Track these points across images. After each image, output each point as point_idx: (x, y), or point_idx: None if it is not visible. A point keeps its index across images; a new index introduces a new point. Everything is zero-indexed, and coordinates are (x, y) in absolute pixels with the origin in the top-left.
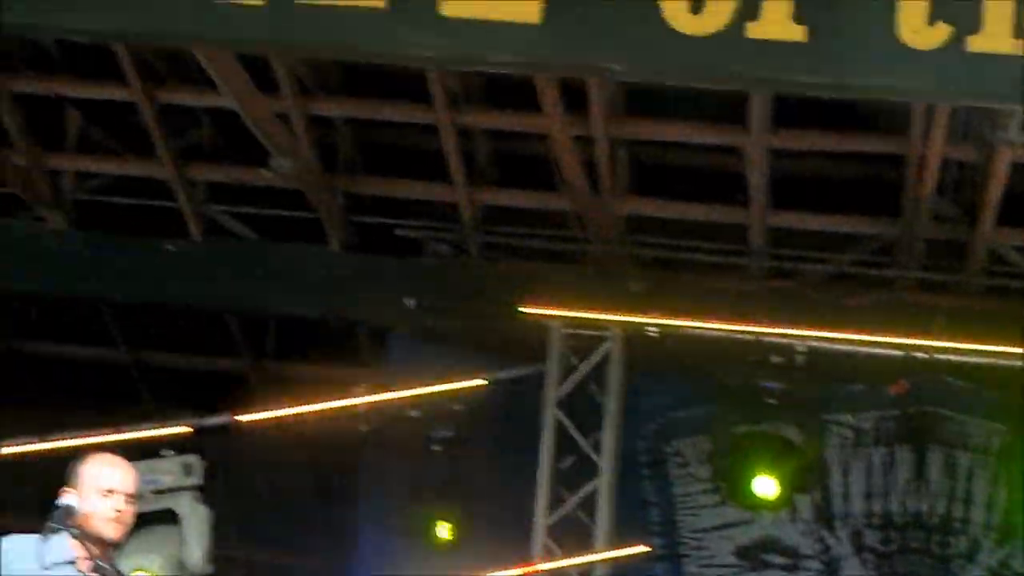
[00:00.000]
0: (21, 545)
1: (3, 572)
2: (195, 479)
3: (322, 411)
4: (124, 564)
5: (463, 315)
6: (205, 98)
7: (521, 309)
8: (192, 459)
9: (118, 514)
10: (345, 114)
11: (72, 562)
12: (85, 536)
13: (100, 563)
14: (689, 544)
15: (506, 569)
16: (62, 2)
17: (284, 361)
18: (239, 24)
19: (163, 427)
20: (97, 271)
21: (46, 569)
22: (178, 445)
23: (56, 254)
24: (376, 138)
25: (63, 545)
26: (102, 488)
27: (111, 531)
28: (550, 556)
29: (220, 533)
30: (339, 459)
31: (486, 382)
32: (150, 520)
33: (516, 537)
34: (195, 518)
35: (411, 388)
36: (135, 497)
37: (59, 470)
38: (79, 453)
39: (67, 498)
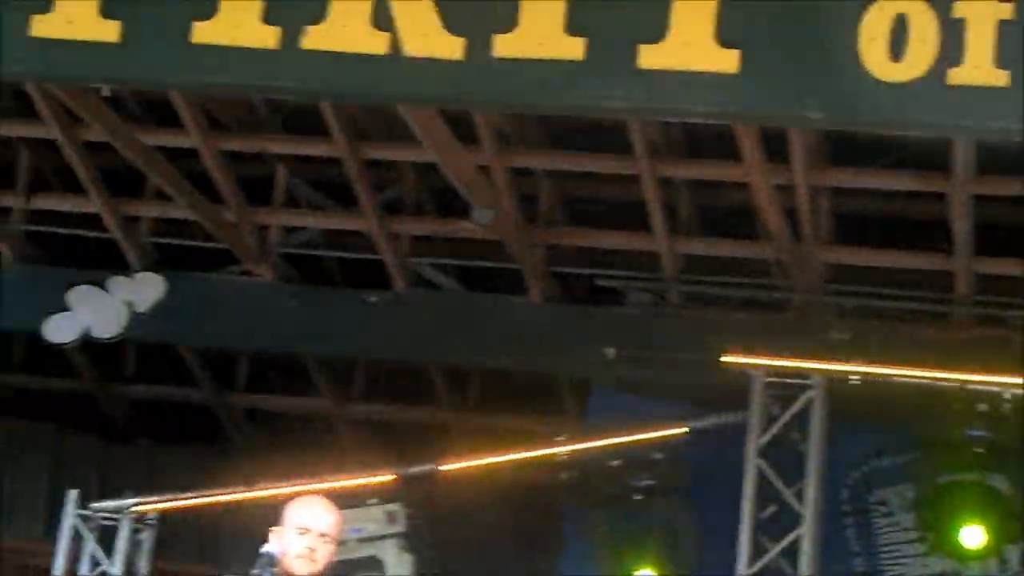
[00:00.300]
0: None
1: None
2: (399, 527)
3: (524, 460)
4: None
5: (664, 364)
6: (408, 152)
7: (722, 358)
8: (396, 507)
9: (309, 552)
10: (546, 166)
11: None
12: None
13: None
14: None
15: None
16: (268, 66)
17: (486, 412)
18: (437, 80)
19: (368, 476)
20: (303, 324)
21: None
22: (382, 494)
23: (263, 307)
24: (577, 189)
25: None
26: (298, 527)
27: (300, 567)
28: None
29: None
30: (540, 508)
31: (687, 431)
32: (355, 567)
33: None
34: (399, 565)
35: (612, 437)
36: (329, 536)
37: (262, 517)
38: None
39: (269, 544)
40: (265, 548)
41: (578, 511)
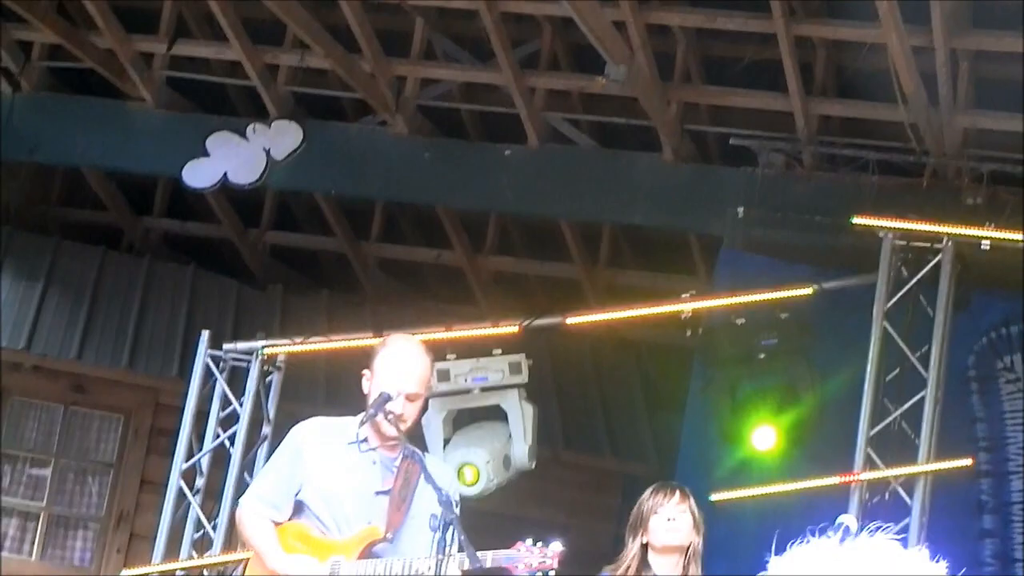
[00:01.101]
0: (316, 424)
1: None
2: (522, 378)
3: (650, 317)
4: (451, 456)
5: (794, 226)
6: (545, 7)
7: (854, 220)
8: (520, 358)
9: (396, 417)
10: (682, 23)
11: (374, 449)
12: (376, 426)
13: (407, 447)
14: (1017, 461)
15: (827, 478)
16: None
17: (616, 268)
18: None
19: (494, 327)
20: (437, 176)
21: (337, 446)
22: (507, 344)
23: (398, 158)
24: (713, 48)
25: (362, 430)
26: (387, 387)
27: (388, 428)
28: (872, 467)
29: (544, 433)
30: (665, 366)
31: (814, 291)
32: (478, 416)
33: (838, 447)
34: (521, 416)
35: (739, 296)
36: (418, 394)
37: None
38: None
39: (365, 384)
40: (382, 388)
41: (702, 369)
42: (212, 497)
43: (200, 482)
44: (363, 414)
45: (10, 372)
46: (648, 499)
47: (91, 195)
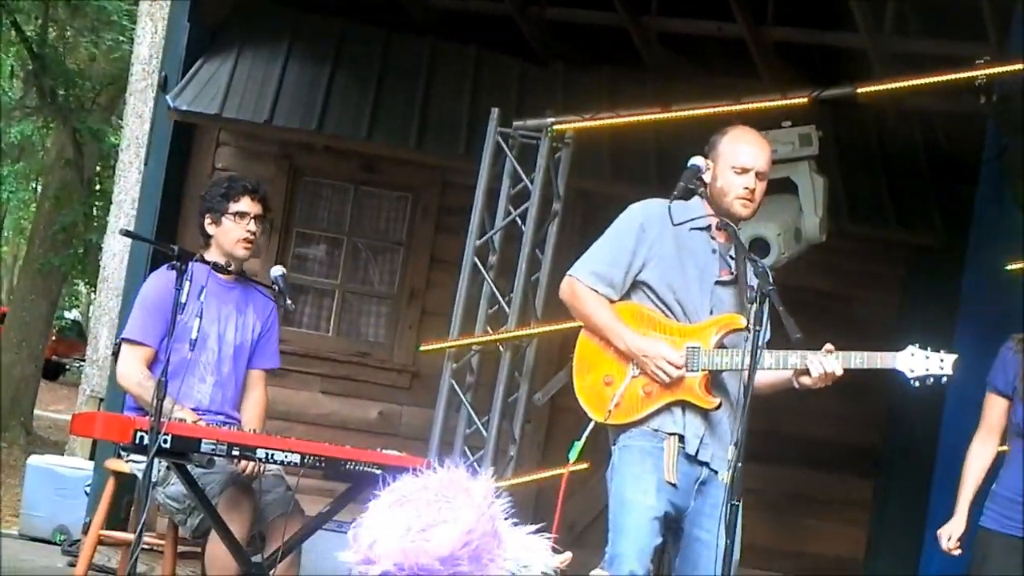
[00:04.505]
0: (658, 205)
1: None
2: (813, 150)
3: (939, 85)
4: (743, 230)
5: None
6: None
7: None
8: (810, 130)
9: (748, 192)
10: None
11: (707, 228)
12: (714, 204)
13: (727, 226)
14: None
15: None
16: None
17: (904, 36)
18: None
19: (782, 99)
20: None
21: (677, 228)
22: (797, 116)
23: None
24: None
25: (697, 207)
26: (737, 165)
27: (740, 208)
28: None
29: (831, 207)
30: (957, 137)
31: None
32: (769, 188)
33: None
34: (812, 188)
35: None
36: (765, 174)
37: (675, 139)
38: (708, 122)
39: (696, 160)
40: (693, 162)
41: (996, 136)
42: (504, 274)
43: (493, 258)
44: (687, 194)
45: (302, 152)
46: None
47: None
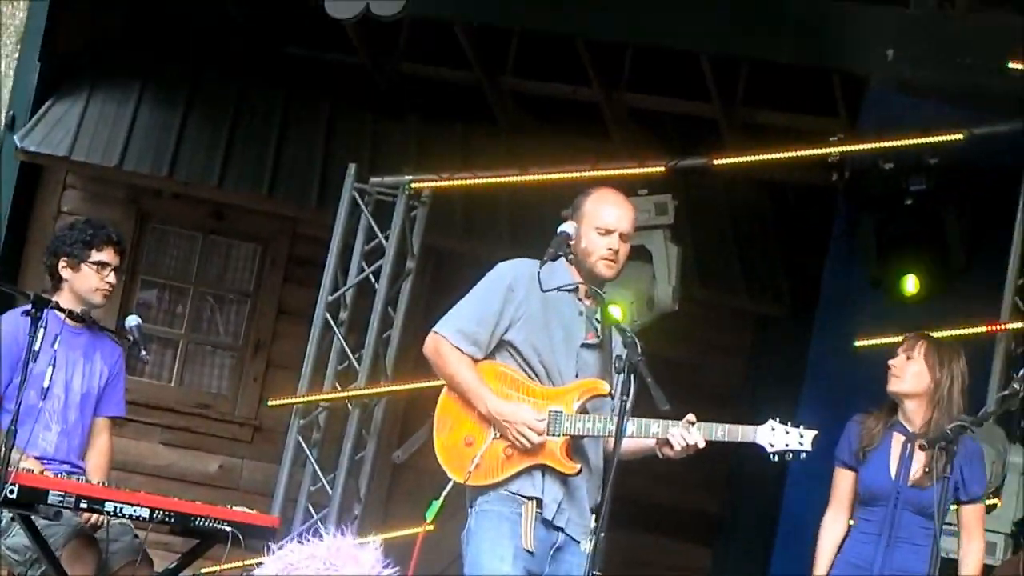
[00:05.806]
0: (527, 265)
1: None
2: (668, 219)
3: (795, 159)
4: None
5: (944, 68)
6: None
7: (1009, 64)
8: (666, 199)
9: (611, 253)
10: None
11: (573, 289)
12: (580, 267)
13: (594, 292)
14: None
15: (973, 328)
16: None
17: (755, 107)
18: None
19: (640, 167)
20: (571, 5)
21: (545, 292)
22: (651, 183)
23: None
24: None
25: (563, 271)
26: (601, 226)
27: (603, 269)
28: (1019, 317)
29: (684, 274)
30: (808, 209)
31: (963, 136)
32: None
33: (985, 295)
34: (667, 256)
35: (886, 140)
36: (629, 235)
37: (529, 200)
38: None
39: (566, 226)
40: (562, 228)
41: (847, 214)
42: (355, 330)
43: (344, 315)
44: (553, 258)
45: (151, 198)
46: None
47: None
